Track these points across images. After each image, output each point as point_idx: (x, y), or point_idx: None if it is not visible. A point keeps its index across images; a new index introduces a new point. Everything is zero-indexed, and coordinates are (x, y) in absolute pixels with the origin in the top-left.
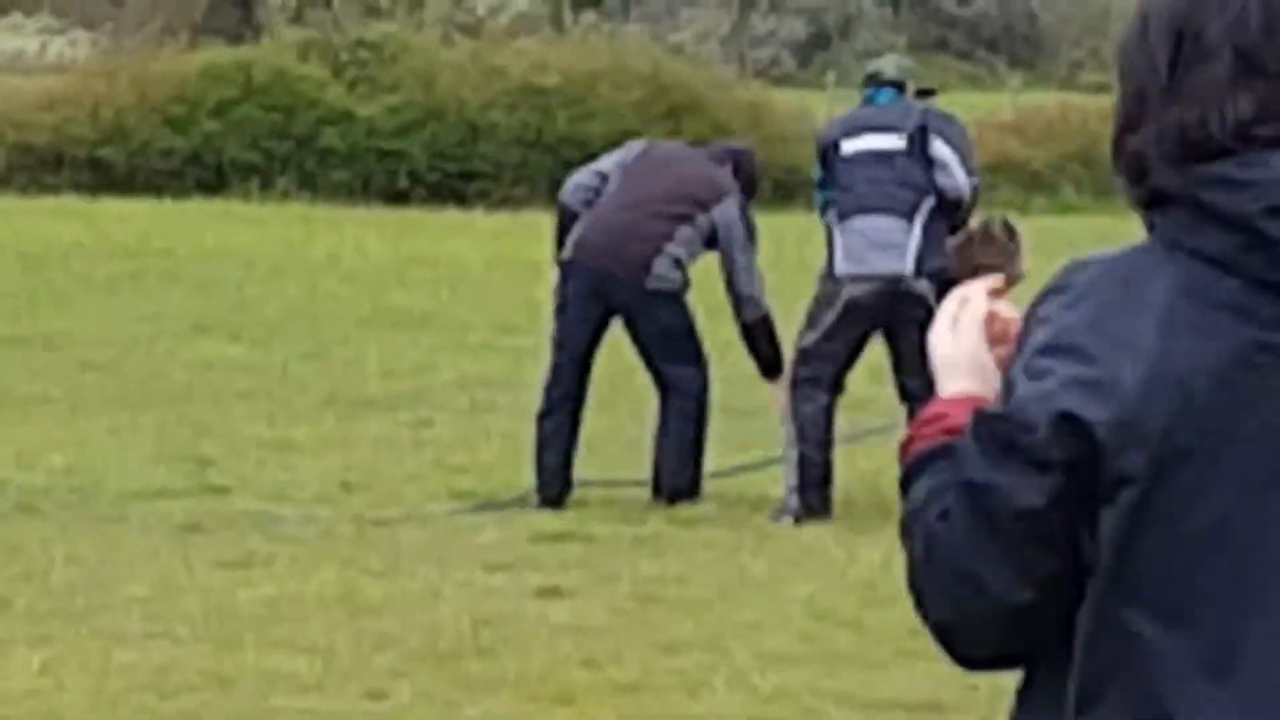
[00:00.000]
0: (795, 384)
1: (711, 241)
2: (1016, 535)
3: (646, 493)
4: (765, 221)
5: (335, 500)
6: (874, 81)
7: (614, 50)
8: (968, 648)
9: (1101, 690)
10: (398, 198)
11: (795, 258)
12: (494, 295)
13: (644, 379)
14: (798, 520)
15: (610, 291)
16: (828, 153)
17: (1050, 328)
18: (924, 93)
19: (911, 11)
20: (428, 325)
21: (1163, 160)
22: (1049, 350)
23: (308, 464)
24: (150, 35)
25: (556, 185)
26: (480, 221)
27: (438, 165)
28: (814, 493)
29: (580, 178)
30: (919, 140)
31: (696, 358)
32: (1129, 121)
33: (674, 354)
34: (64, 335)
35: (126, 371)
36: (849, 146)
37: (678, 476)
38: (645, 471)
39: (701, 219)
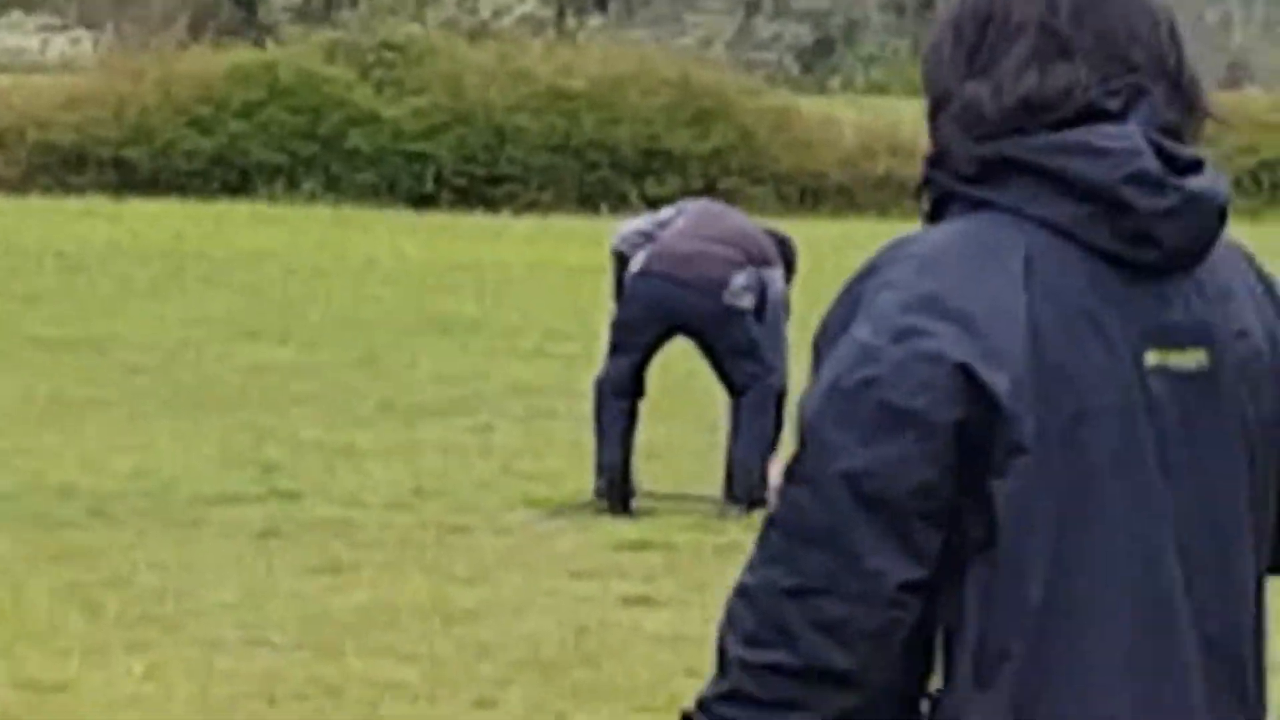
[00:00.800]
0: None
1: (761, 300)
2: (907, 513)
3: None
4: (794, 228)
5: (410, 507)
6: None
7: (642, 55)
8: (863, 651)
9: (1002, 659)
10: (424, 201)
11: (831, 264)
12: (539, 301)
13: (703, 387)
14: None
15: (684, 306)
16: None
17: (903, 291)
18: None
19: (917, 16)
20: (476, 331)
21: (975, 132)
22: (912, 309)
23: (377, 470)
24: (169, 35)
25: (583, 189)
26: (514, 226)
27: (464, 168)
28: None
29: (636, 224)
30: None
31: (774, 362)
32: (936, 108)
33: (751, 362)
34: (112, 338)
35: (179, 375)
36: None
37: (752, 477)
38: (713, 481)
39: (764, 271)
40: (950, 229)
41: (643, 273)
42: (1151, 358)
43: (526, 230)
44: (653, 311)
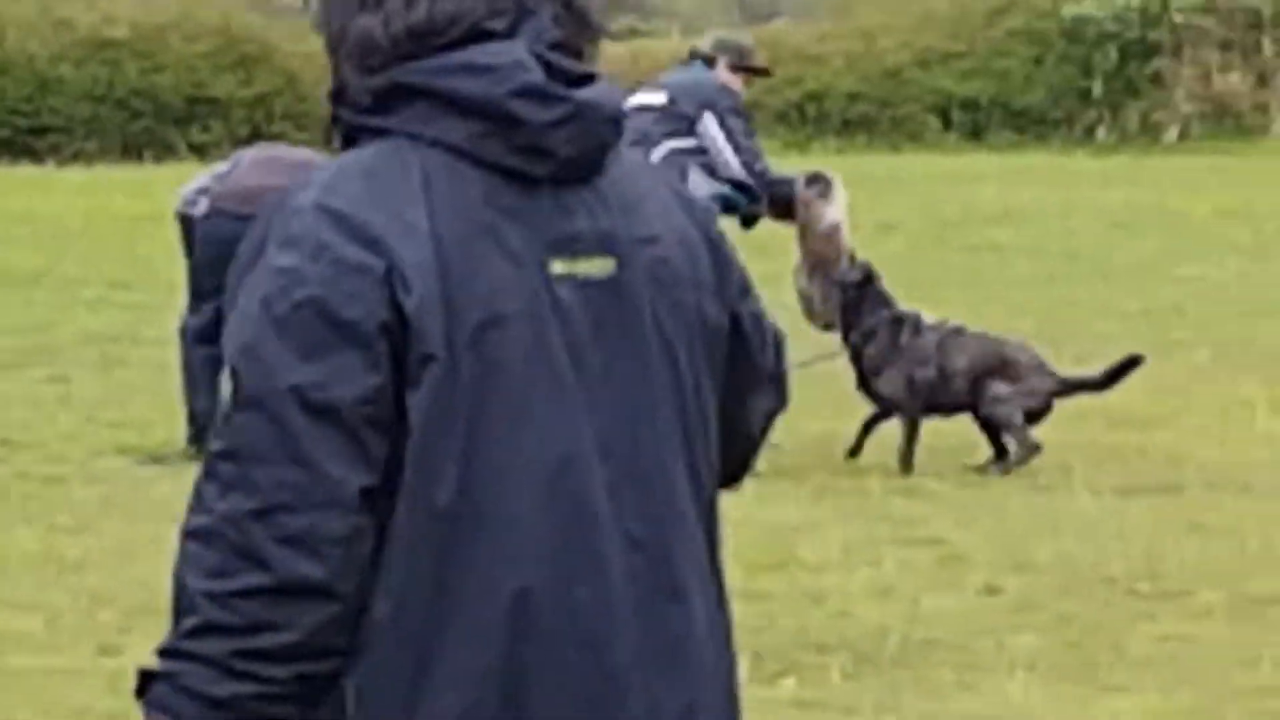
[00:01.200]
0: None
1: None
2: (357, 420)
3: None
4: None
5: (1, 459)
6: None
7: (183, 2)
8: (334, 560)
9: (408, 562)
10: None
11: None
12: (98, 251)
13: None
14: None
15: None
16: None
17: (311, 214)
18: None
19: None
20: (39, 282)
21: (368, 63)
22: (324, 229)
23: None
24: None
25: (128, 138)
26: (62, 177)
27: (7, 120)
28: None
29: (195, 183)
30: None
31: None
32: (334, 47)
33: None
34: None
35: None
36: None
37: None
38: None
39: None
40: (351, 157)
41: (210, 214)
42: (557, 266)
43: (76, 181)
44: (226, 252)
